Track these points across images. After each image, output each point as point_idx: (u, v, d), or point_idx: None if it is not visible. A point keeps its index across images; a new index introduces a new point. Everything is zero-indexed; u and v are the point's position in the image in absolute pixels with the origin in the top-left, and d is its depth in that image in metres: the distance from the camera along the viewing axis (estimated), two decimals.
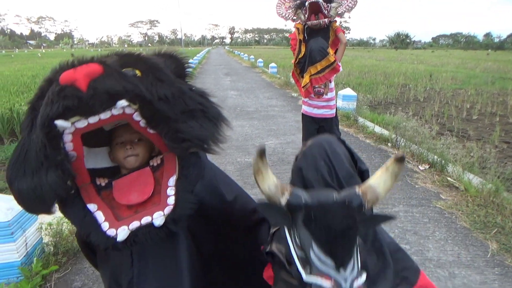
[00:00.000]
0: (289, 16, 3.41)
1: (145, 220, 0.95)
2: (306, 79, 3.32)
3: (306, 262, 0.74)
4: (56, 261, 2.23)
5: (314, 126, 3.50)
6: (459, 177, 3.44)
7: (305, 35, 3.31)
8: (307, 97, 3.49)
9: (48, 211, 0.96)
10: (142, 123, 0.95)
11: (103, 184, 1.04)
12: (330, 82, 3.39)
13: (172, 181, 1.00)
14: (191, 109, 0.98)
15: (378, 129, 5.47)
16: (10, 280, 2.03)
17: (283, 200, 0.77)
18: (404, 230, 2.66)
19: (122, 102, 0.88)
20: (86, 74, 0.84)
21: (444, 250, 2.40)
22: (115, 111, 0.90)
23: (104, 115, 0.89)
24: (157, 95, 0.92)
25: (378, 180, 0.80)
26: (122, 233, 0.93)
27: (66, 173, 0.91)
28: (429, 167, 3.88)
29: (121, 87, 0.87)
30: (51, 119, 0.84)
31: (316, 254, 0.71)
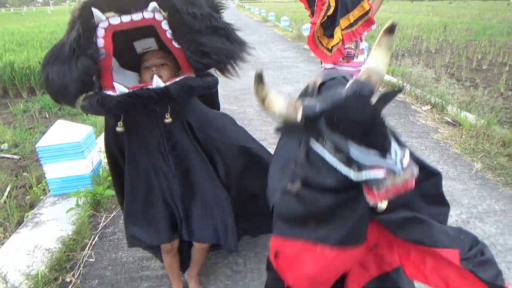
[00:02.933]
0: None
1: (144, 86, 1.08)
2: (338, 34, 2.60)
3: (350, 162, 0.71)
4: None
5: None
6: (457, 115, 3.82)
7: None
8: (336, 61, 2.75)
9: (72, 101, 1.07)
10: (169, 33, 1.06)
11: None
12: (361, 41, 2.78)
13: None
14: (215, 26, 1.08)
15: (386, 77, 5.78)
16: (83, 189, 2.56)
17: (299, 116, 0.73)
18: None
19: (153, 4, 1.01)
20: None
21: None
22: (146, 14, 1.02)
23: (136, 16, 1.02)
24: (187, 10, 1.04)
25: (376, 59, 0.80)
26: (119, 88, 1.04)
27: (94, 64, 1.02)
28: (431, 108, 4.26)
29: None
30: (89, 6, 0.98)
31: (357, 150, 0.69)
